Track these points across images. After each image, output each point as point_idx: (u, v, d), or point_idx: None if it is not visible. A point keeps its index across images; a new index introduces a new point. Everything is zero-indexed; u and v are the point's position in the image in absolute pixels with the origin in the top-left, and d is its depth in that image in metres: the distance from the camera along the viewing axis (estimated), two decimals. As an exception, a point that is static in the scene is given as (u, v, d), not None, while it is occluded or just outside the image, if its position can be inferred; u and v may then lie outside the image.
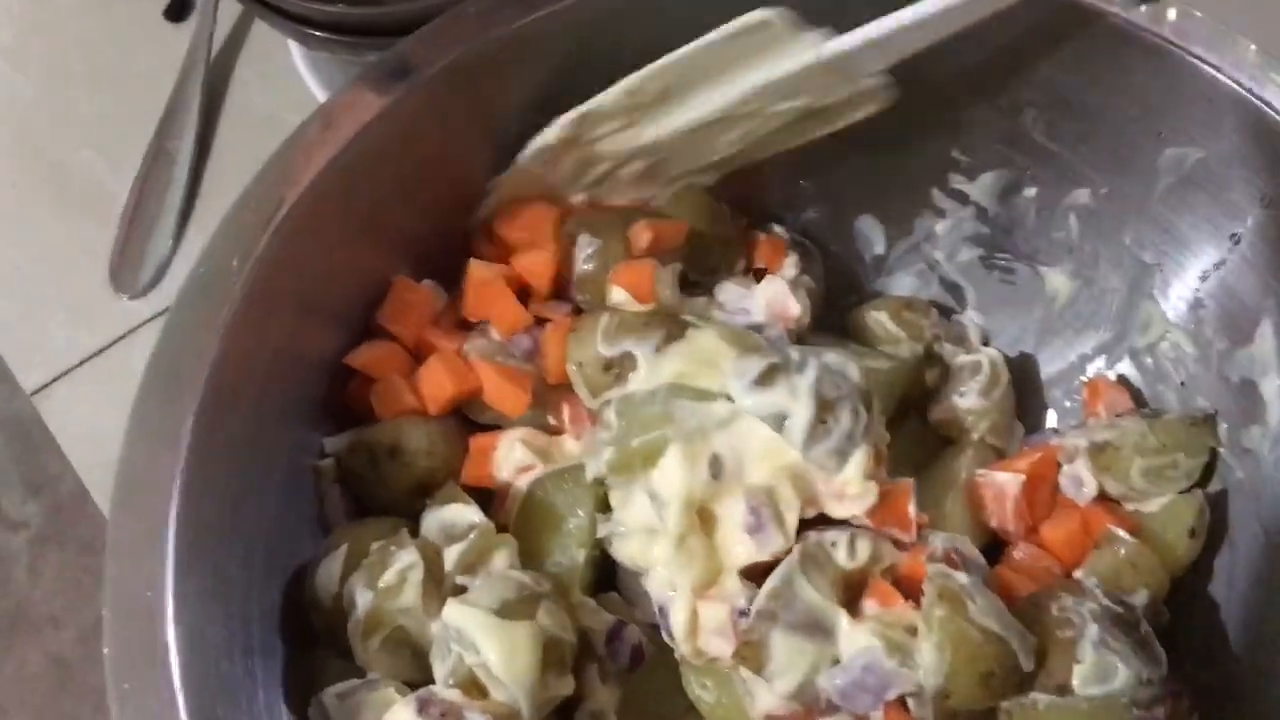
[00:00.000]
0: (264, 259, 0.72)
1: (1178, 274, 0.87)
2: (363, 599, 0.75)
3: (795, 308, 0.90)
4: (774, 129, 0.86)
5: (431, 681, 0.74)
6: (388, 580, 0.75)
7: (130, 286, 1.09)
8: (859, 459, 0.76)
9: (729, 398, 0.77)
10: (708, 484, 0.76)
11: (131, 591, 0.63)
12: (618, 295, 0.85)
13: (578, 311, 0.87)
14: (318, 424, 0.84)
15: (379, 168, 0.79)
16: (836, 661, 0.73)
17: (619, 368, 0.81)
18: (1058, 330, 0.96)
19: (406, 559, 0.75)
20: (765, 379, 0.77)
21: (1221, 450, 0.86)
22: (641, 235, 0.86)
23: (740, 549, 0.76)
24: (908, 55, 0.79)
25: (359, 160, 0.77)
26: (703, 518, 0.76)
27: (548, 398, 0.86)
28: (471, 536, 0.77)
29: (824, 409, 0.76)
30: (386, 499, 0.83)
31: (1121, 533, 0.83)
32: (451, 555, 0.77)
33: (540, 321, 0.86)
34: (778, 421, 0.76)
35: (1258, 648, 0.82)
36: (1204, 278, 0.86)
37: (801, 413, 0.75)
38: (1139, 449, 0.84)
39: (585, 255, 0.87)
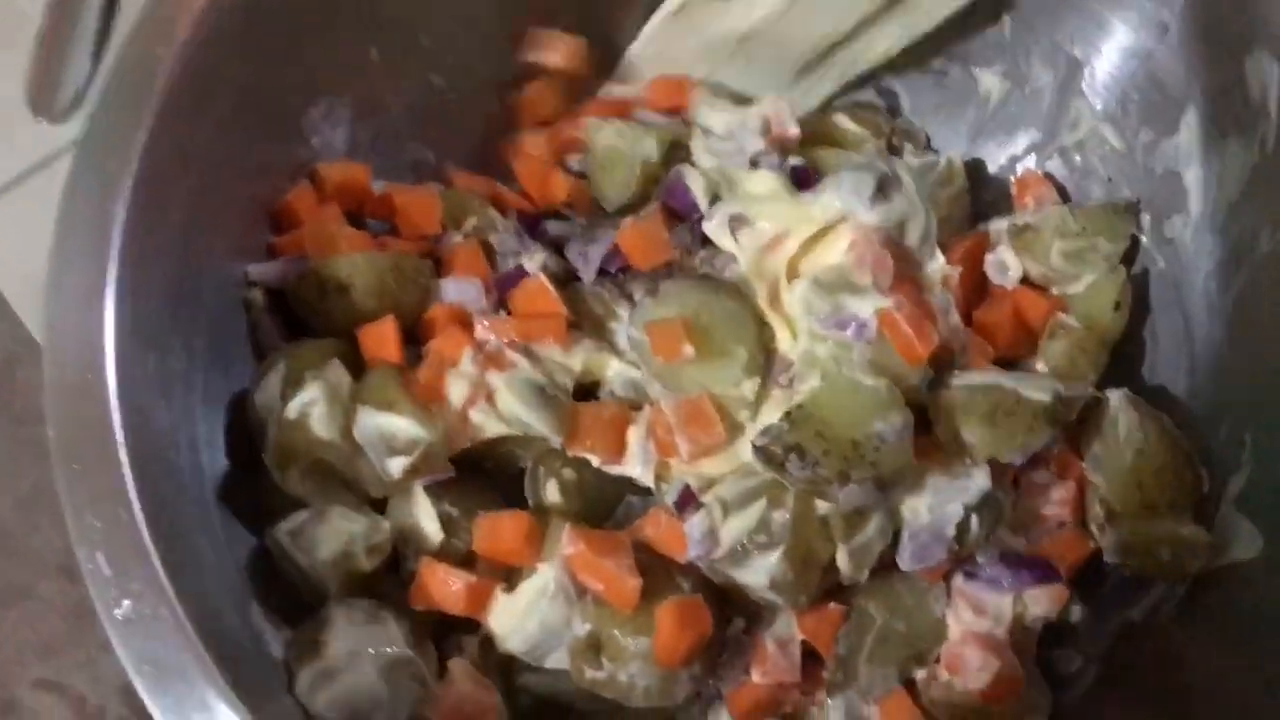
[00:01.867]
0: (193, 46, 0.70)
1: (1106, 68, 0.89)
2: (272, 430, 0.74)
3: (794, 128, 0.90)
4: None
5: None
6: (289, 414, 0.74)
7: (48, 110, 1.05)
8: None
9: None
10: None
11: (71, 378, 0.63)
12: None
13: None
14: (246, 246, 0.81)
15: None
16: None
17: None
18: (990, 132, 0.98)
19: (310, 394, 0.74)
20: (880, 193, 0.79)
21: (1144, 240, 0.88)
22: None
23: None
24: None
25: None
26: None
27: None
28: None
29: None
30: (325, 330, 0.81)
31: (1068, 319, 0.86)
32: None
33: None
34: (899, 230, 0.79)
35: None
36: (1132, 71, 0.87)
37: (918, 217, 0.80)
38: (1059, 231, 0.86)
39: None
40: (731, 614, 0.77)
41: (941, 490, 0.75)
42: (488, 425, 0.76)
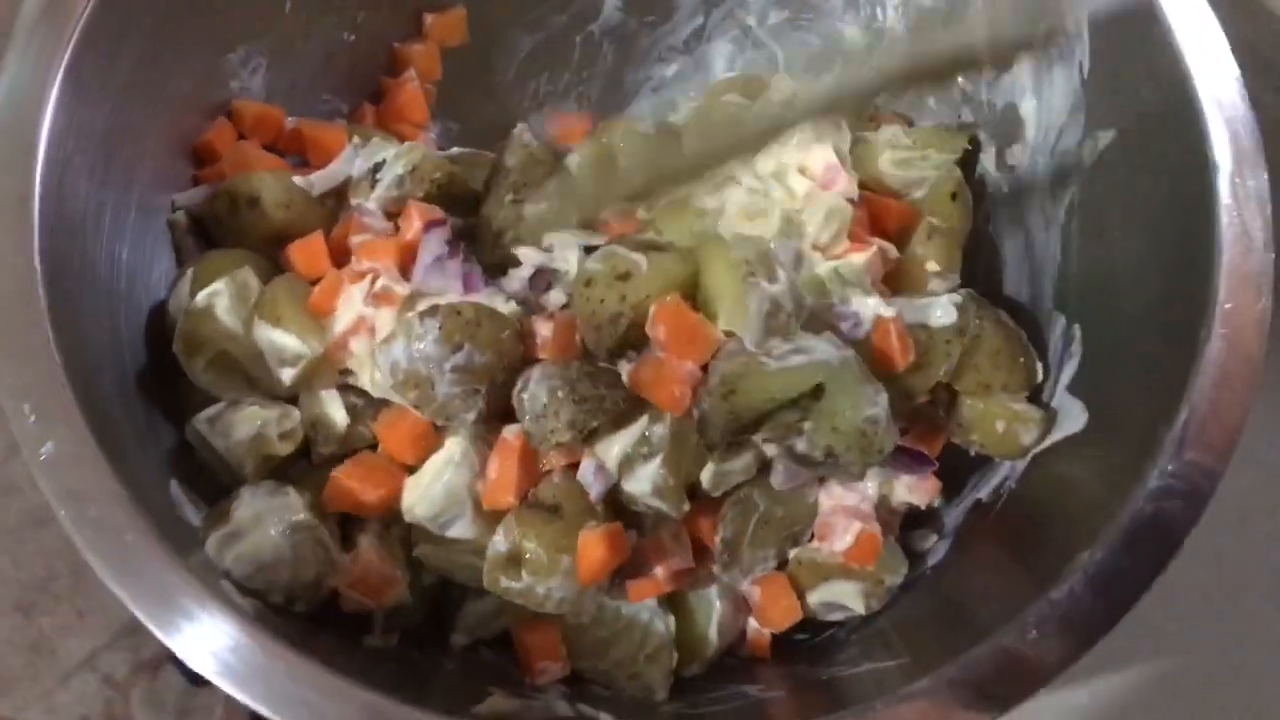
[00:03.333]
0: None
1: (951, 14, 0.99)
2: (180, 321, 0.81)
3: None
4: None
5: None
6: (197, 304, 0.81)
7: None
8: None
9: None
10: None
11: (1, 263, 0.71)
12: None
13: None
14: (170, 177, 0.89)
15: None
16: None
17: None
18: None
19: (215, 287, 0.81)
20: None
21: (990, 170, 0.98)
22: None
23: None
24: None
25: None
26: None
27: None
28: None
29: None
30: (240, 245, 0.88)
31: (935, 220, 0.94)
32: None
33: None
34: None
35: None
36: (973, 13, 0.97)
37: None
38: (890, 145, 0.95)
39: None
40: (628, 525, 0.83)
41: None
42: (362, 370, 0.83)
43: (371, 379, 0.82)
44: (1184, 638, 0.94)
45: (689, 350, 0.79)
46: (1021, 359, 0.88)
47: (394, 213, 0.86)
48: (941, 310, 0.86)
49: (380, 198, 0.86)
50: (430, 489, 0.80)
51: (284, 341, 0.81)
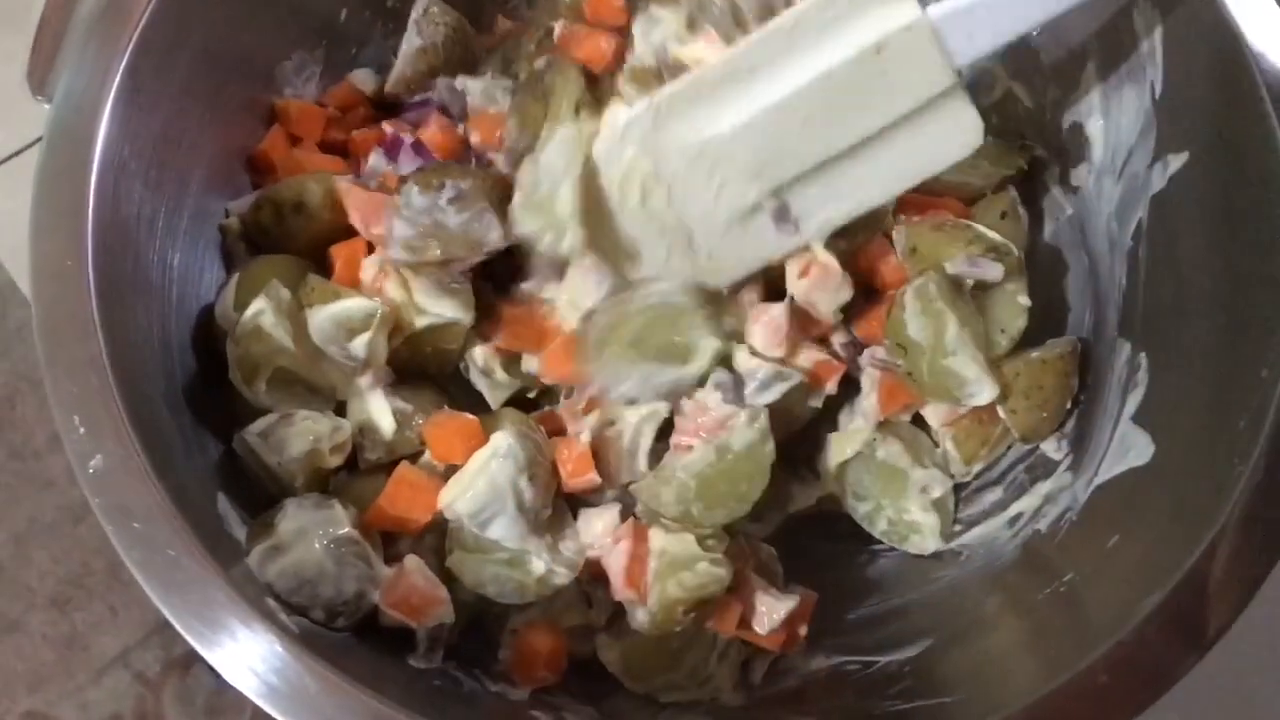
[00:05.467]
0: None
1: (1017, 30, 0.96)
2: (231, 347, 0.81)
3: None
4: None
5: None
6: (244, 326, 0.79)
7: (46, 90, 1.13)
8: None
9: None
10: None
11: (54, 265, 0.70)
12: None
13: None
14: (225, 185, 0.89)
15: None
16: None
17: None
18: (915, 100, 1.05)
19: (257, 305, 0.79)
20: None
21: (1054, 190, 0.96)
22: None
23: None
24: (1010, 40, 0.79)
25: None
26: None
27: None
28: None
29: None
30: (292, 251, 0.88)
31: (981, 229, 0.91)
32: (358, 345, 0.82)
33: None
34: None
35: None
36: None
37: None
38: None
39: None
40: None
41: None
42: (402, 303, 0.83)
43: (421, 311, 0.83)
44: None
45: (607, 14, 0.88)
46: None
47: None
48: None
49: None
50: (474, 483, 0.79)
51: (348, 309, 0.81)
